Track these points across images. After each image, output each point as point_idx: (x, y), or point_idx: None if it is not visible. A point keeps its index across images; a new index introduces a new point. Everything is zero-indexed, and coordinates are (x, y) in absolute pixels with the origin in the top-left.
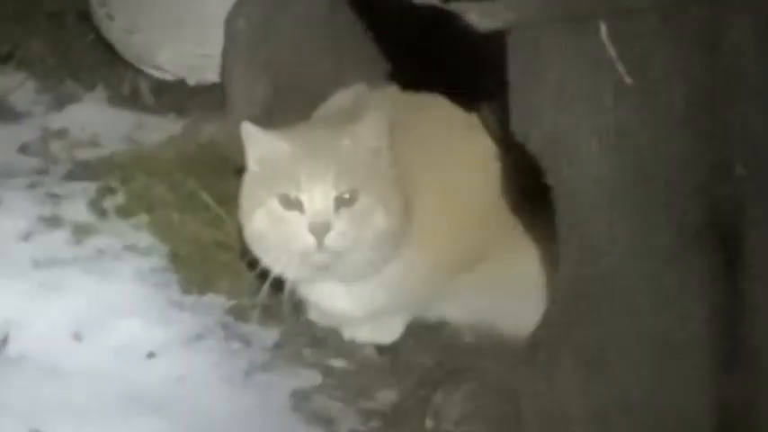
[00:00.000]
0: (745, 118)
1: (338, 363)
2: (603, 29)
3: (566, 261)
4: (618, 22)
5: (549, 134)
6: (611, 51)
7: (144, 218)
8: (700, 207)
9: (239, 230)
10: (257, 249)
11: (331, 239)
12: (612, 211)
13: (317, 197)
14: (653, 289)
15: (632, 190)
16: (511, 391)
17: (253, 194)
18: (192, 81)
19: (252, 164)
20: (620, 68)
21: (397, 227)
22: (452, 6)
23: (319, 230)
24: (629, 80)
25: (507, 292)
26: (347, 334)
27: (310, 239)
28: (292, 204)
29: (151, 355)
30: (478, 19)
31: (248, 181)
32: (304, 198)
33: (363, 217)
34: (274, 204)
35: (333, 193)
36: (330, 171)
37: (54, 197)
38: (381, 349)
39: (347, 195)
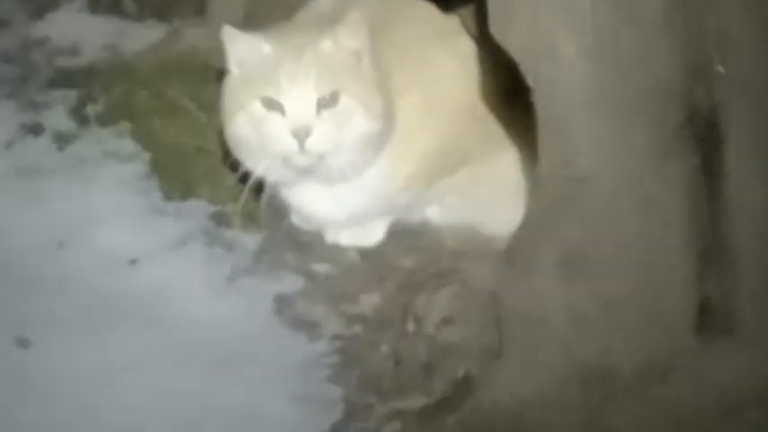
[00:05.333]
0: (723, 18)
1: (321, 267)
2: None
3: (545, 162)
4: None
5: (528, 35)
6: None
7: (125, 125)
8: (679, 107)
9: (220, 136)
10: (238, 152)
11: (312, 141)
12: (591, 111)
13: (299, 99)
14: (633, 189)
15: (611, 90)
16: (492, 294)
17: (234, 98)
18: None
19: (233, 67)
20: None
21: (378, 128)
22: None
23: (301, 132)
24: None
25: (488, 193)
26: (329, 238)
27: (292, 142)
28: (273, 107)
29: (134, 261)
30: None
31: (229, 84)
32: (285, 100)
33: (344, 119)
34: (256, 107)
35: (314, 95)
36: (311, 73)
37: (35, 105)
38: (364, 253)
39: (328, 97)
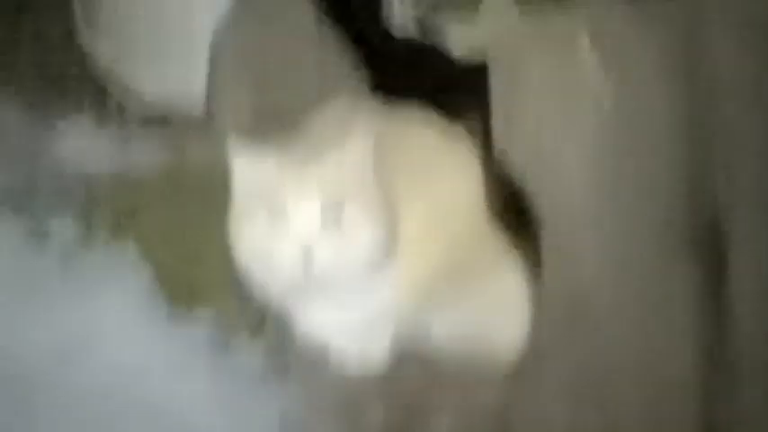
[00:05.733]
0: (727, 128)
1: (325, 383)
2: (585, 45)
3: (549, 277)
4: (600, 38)
5: (531, 151)
6: (593, 67)
7: (131, 237)
8: (683, 222)
9: (227, 247)
10: (245, 269)
11: (318, 259)
12: (595, 227)
13: (304, 215)
14: (637, 302)
15: (614, 206)
16: (497, 415)
17: (240, 214)
18: (178, 108)
19: (238, 182)
20: (602, 85)
21: (384, 242)
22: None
23: (306, 249)
24: (610, 96)
25: (492, 310)
26: (333, 357)
27: (297, 256)
28: (279, 223)
29: (140, 373)
30: (458, 41)
31: (235, 200)
32: (290, 216)
33: (350, 234)
34: (261, 223)
35: (319, 209)
36: (316, 188)
37: (41, 217)
38: (367, 372)
39: (334, 213)
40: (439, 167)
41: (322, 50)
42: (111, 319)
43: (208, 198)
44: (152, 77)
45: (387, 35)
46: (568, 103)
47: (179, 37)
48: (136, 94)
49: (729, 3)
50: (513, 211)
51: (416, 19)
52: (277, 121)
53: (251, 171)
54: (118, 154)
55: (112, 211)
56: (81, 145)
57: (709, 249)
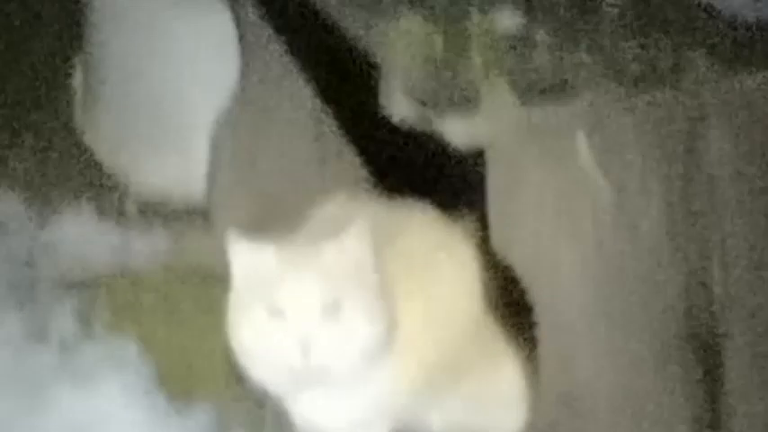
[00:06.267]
0: (722, 233)
1: None
2: (582, 143)
3: (546, 372)
4: (597, 135)
5: (530, 248)
6: (591, 166)
7: (130, 331)
8: (678, 321)
9: (226, 342)
10: (244, 361)
11: (317, 353)
12: (592, 324)
13: (302, 309)
14: (634, 403)
15: (611, 305)
16: None
17: (238, 307)
18: (177, 200)
19: (237, 275)
20: (600, 182)
21: (381, 337)
22: (432, 127)
23: (305, 342)
24: (609, 194)
25: (489, 402)
26: None
27: (296, 351)
28: (277, 316)
29: None
30: (457, 136)
31: (234, 293)
32: (289, 309)
33: (348, 328)
34: (259, 316)
35: (318, 305)
36: (315, 283)
37: (41, 311)
38: None
39: (332, 307)
40: (437, 263)
41: (321, 145)
42: (110, 413)
43: (207, 291)
44: (151, 168)
45: (387, 136)
46: (566, 201)
47: (178, 129)
48: (135, 185)
49: (728, 100)
50: (510, 305)
51: (416, 112)
52: (276, 216)
53: (250, 265)
54: (118, 246)
55: (112, 303)
56: (81, 238)
57: (706, 348)
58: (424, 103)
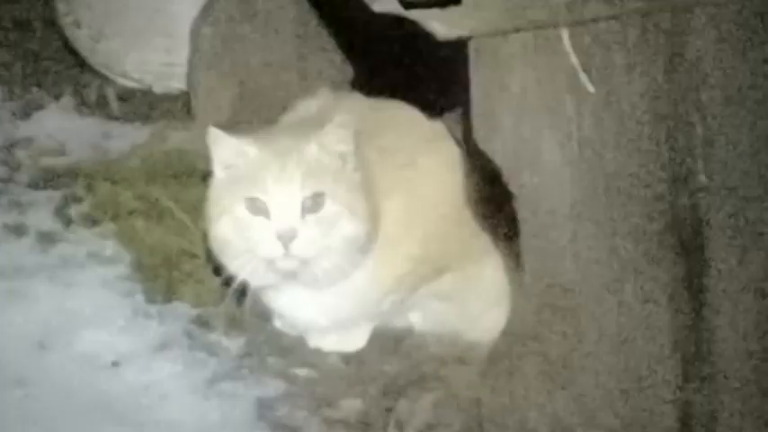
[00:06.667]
0: (707, 127)
1: (303, 371)
2: (566, 37)
3: (529, 269)
4: (580, 30)
5: (512, 142)
6: (574, 60)
7: (109, 226)
8: (662, 216)
9: (204, 238)
10: (222, 256)
11: (298, 245)
12: (575, 219)
13: (284, 202)
14: (616, 297)
15: (594, 198)
16: (474, 401)
17: (218, 200)
18: (158, 89)
19: (218, 169)
20: (583, 77)
21: (363, 232)
22: (414, 14)
23: (286, 236)
24: (591, 89)
25: (471, 300)
26: (312, 342)
27: (277, 245)
28: (259, 210)
29: (116, 364)
30: (440, 27)
31: (214, 187)
32: (270, 203)
33: (330, 222)
34: (240, 210)
35: (299, 198)
36: (297, 175)
37: (18, 205)
38: (346, 358)
39: (314, 200)
40: (419, 160)
41: (302, 40)
42: (88, 308)
43: (186, 189)
44: (133, 58)
45: (367, 29)
46: (549, 94)
47: (160, 19)
48: (116, 76)
49: None
50: (493, 201)
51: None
52: (257, 110)
53: (231, 158)
54: (98, 138)
55: (91, 199)
56: (61, 130)
57: (689, 243)
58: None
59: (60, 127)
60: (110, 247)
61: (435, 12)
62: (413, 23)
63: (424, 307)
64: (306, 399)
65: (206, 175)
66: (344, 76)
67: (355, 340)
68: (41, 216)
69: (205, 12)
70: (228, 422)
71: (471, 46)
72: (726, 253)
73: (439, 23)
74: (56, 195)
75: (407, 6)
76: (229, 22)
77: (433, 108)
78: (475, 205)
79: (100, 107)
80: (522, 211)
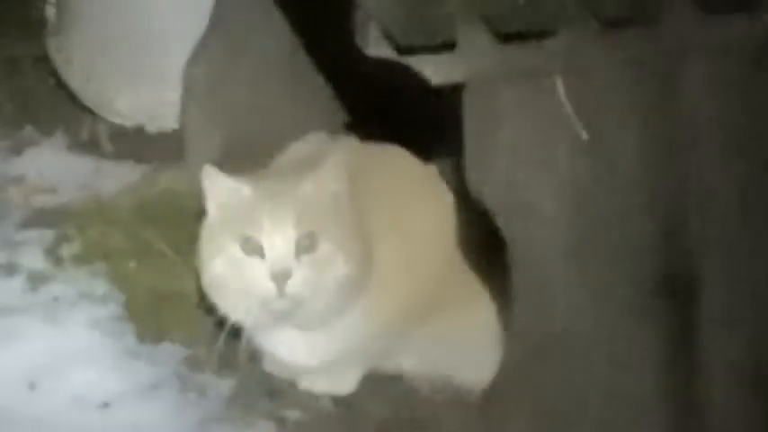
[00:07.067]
0: (700, 172)
1: (293, 414)
2: (560, 85)
3: (520, 315)
4: (574, 78)
5: (504, 189)
6: (568, 108)
7: (100, 266)
8: (654, 266)
9: (196, 279)
10: (215, 296)
11: (292, 286)
12: (567, 267)
13: (278, 242)
14: (607, 345)
15: (587, 245)
16: None
17: (212, 240)
18: (151, 128)
19: (211, 208)
20: (576, 124)
21: (357, 273)
22: (407, 60)
23: (280, 276)
24: (584, 136)
25: (463, 343)
26: (303, 384)
27: (271, 286)
28: (253, 250)
29: (105, 404)
30: (433, 73)
31: (207, 227)
32: (265, 243)
33: (324, 263)
34: (234, 250)
35: (294, 238)
36: (291, 215)
37: (10, 244)
38: (337, 400)
39: (308, 240)
40: (412, 204)
41: (295, 82)
42: (78, 348)
43: (178, 231)
44: (124, 98)
45: (361, 73)
46: (542, 141)
47: (152, 58)
48: (108, 115)
49: (707, 39)
50: (485, 246)
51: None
52: (248, 152)
53: (225, 198)
54: (89, 177)
55: (82, 238)
56: (52, 170)
57: (682, 295)
58: (399, 46)
59: (52, 165)
60: (101, 287)
61: (429, 57)
62: (407, 69)
63: (416, 349)
64: None
65: (199, 215)
66: (337, 120)
67: (346, 383)
68: (32, 255)
69: (197, 52)
70: None
71: (465, 92)
72: (718, 306)
73: (432, 69)
74: (47, 234)
75: (401, 52)
76: (221, 63)
77: (426, 153)
78: (467, 249)
79: (92, 145)
80: (514, 256)
